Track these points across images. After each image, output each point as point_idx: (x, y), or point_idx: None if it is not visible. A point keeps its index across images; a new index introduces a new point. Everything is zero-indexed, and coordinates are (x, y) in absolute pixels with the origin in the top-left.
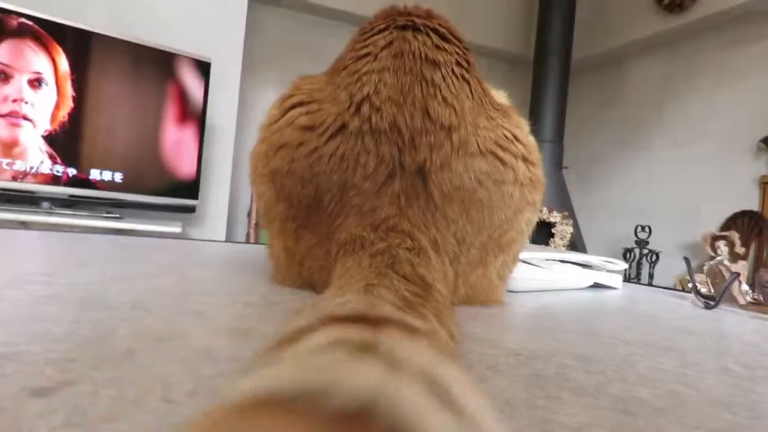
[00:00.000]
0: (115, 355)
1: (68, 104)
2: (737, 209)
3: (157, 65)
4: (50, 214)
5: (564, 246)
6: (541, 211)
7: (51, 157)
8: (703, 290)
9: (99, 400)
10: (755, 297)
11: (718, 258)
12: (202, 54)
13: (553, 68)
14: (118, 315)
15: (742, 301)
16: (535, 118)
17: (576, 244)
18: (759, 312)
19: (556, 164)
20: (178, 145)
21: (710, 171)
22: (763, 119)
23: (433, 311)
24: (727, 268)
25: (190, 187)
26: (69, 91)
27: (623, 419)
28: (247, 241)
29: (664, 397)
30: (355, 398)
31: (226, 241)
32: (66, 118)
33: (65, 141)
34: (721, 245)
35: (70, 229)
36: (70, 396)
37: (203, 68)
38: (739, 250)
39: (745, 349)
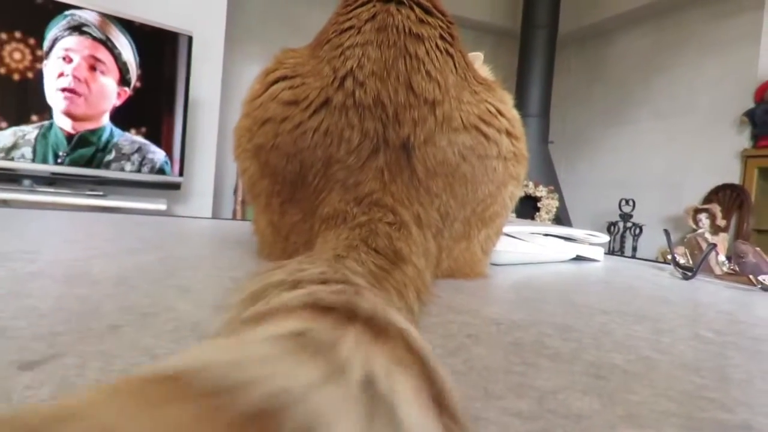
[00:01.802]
0: (102, 329)
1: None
2: (719, 182)
3: (137, 39)
4: (32, 192)
5: (549, 220)
6: (527, 186)
7: None
8: (682, 261)
9: (86, 372)
10: (732, 267)
11: (699, 230)
12: (183, 27)
13: (539, 42)
14: (104, 290)
15: (718, 272)
16: (521, 92)
17: (561, 218)
18: (735, 282)
19: (542, 138)
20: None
21: (694, 144)
22: (746, 92)
23: (397, 285)
24: (705, 239)
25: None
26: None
27: (595, 383)
28: (234, 218)
29: (636, 362)
30: (269, 398)
31: (212, 218)
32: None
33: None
34: (703, 218)
35: (53, 207)
36: (58, 368)
37: (185, 42)
38: (721, 222)
39: (719, 317)
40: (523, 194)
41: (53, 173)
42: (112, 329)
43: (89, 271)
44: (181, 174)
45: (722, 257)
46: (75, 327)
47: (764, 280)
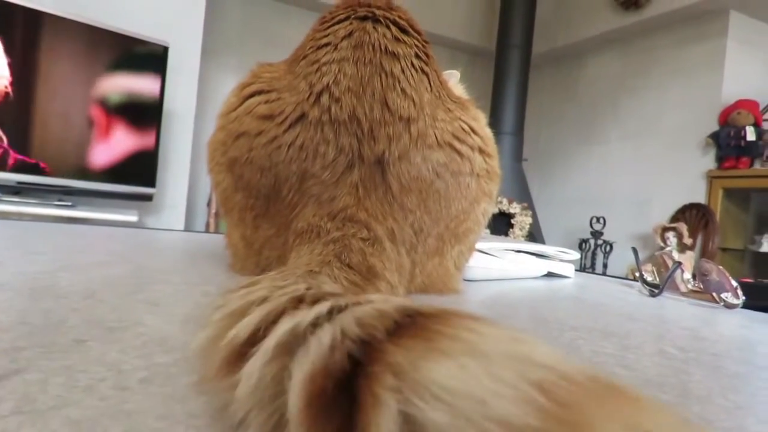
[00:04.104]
0: (66, 344)
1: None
2: (686, 202)
3: (112, 49)
4: None
5: (523, 236)
6: (501, 202)
7: None
8: (650, 279)
9: (49, 387)
10: (697, 285)
11: (667, 249)
12: (159, 38)
13: (514, 61)
14: (70, 304)
15: (683, 289)
16: (496, 110)
17: (534, 234)
18: (699, 299)
19: (516, 156)
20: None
21: (661, 164)
22: (710, 115)
23: None
24: (671, 257)
25: (147, 175)
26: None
27: None
28: (207, 231)
29: None
30: None
31: (184, 231)
32: (6, 89)
33: (14, 126)
34: (671, 236)
35: (19, 217)
36: (19, 384)
37: (161, 53)
38: (687, 241)
39: (683, 333)
40: (497, 211)
41: (19, 182)
42: (77, 344)
43: (55, 284)
44: (153, 185)
45: (687, 275)
46: (38, 342)
47: (727, 297)
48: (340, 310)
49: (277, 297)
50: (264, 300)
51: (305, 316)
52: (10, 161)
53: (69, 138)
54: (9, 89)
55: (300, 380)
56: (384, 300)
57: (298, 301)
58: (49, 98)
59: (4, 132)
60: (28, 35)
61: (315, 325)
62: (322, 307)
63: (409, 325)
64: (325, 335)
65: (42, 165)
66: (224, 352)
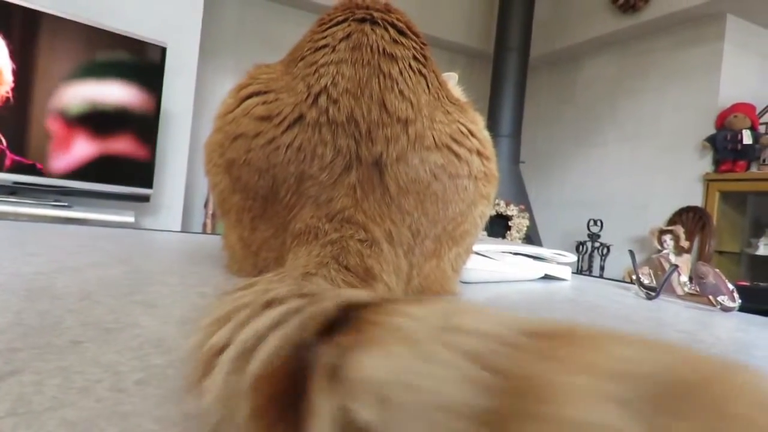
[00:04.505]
0: (62, 345)
1: (6, 80)
2: (683, 204)
3: (110, 49)
4: None
5: (520, 239)
6: (498, 205)
7: None
8: (647, 281)
9: (44, 389)
10: (693, 288)
11: (663, 251)
12: (157, 38)
13: (511, 64)
14: (66, 305)
15: (680, 292)
16: (493, 112)
17: (532, 237)
18: (696, 302)
19: (514, 158)
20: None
21: (658, 167)
22: (707, 119)
23: None
24: (668, 260)
25: (144, 176)
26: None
27: None
28: (204, 232)
29: None
30: None
31: (181, 231)
32: (8, 95)
33: (11, 125)
34: (668, 239)
35: (16, 218)
36: (15, 386)
37: (158, 53)
38: (684, 243)
39: (679, 336)
40: (494, 213)
41: (15, 182)
42: (73, 345)
43: (51, 285)
44: (150, 186)
45: (684, 278)
46: (34, 343)
47: (723, 300)
48: (297, 311)
49: (256, 301)
50: (249, 304)
51: (264, 321)
52: (7, 162)
53: (65, 138)
54: (10, 94)
55: (244, 392)
56: (336, 296)
57: (267, 305)
58: (46, 98)
59: (3, 134)
60: (27, 35)
61: (272, 328)
62: (281, 310)
63: (343, 320)
64: (272, 341)
65: (38, 166)
66: (203, 360)
